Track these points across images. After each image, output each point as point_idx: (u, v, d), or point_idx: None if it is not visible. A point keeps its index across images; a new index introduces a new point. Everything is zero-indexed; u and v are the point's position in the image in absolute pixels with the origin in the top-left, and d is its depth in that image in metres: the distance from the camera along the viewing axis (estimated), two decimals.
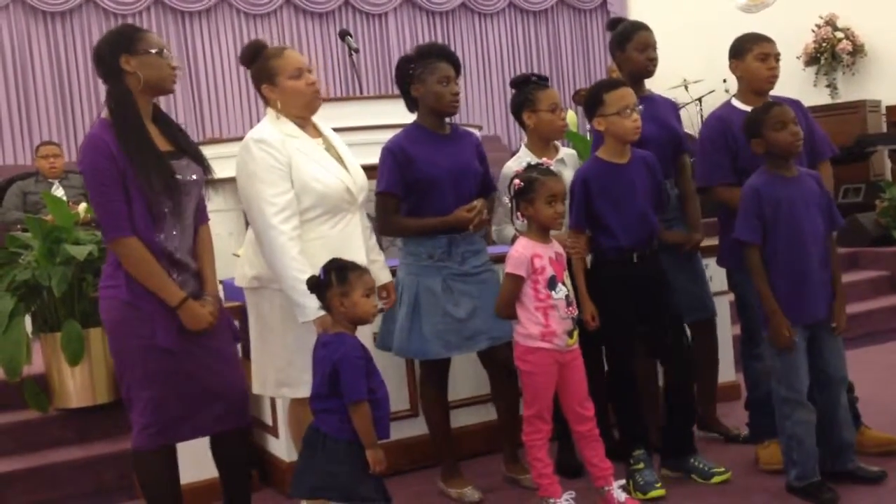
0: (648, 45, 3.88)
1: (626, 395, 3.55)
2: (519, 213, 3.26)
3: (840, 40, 9.72)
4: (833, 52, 9.76)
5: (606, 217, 3.47)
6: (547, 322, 3.19)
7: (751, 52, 3.64)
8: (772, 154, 3.30)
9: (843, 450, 3.40)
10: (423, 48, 3.56)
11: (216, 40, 9.86)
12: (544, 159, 3.41)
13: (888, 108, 9.04)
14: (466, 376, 3.93)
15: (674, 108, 4.05)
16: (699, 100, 9.60)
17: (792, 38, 9.44)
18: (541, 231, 3.26)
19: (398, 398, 3.89)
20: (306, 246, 3.07)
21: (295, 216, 3.08)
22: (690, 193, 3.88)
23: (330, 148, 3.28)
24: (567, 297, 3.23)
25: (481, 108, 10.97)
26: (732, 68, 3.73)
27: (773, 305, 3.24)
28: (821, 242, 3.30)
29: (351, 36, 5.73)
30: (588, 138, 6.54)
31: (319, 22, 10.26)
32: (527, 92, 3.72)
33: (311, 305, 2.91)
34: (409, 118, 3.64)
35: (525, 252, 3.21)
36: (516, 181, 3.25)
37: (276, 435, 3.88)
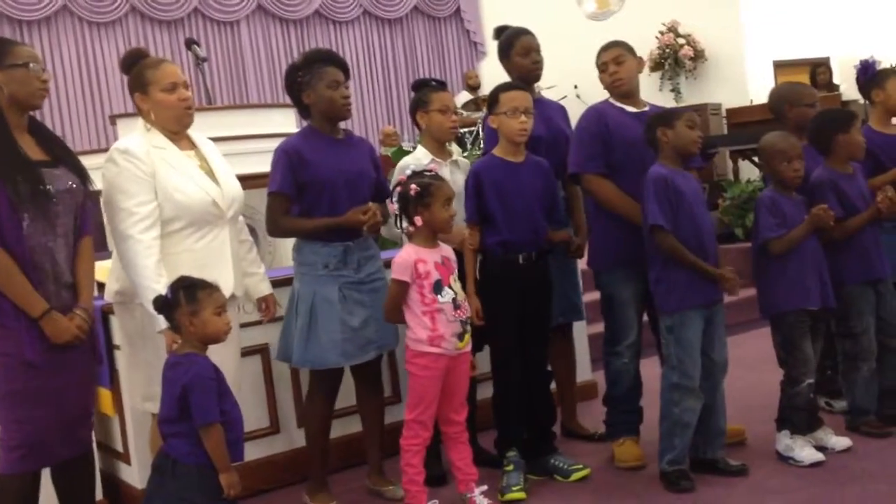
0: (531, 49, 3.99)
1: (506, 395, 3.60)
2: (409, 218, 3.26)
3: (682, 46, 10.15)
4: (676, 58, 10.18)
5: (493, 211, 3.53)
6: (434, 326, 3.21)
7: (599, 64, 3.81)
8: (673, 149, 3.44)
9: (717, 436, 3.53)
10: (310, 54, 3.56)
11: (57, 50, 9.45)
12: (432, 165, 3.44)
13: (728, 110, 9.47)
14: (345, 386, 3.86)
15: (562, 110, 4.17)
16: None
17: (637, 45, 9.75)
18: (429, 236, 3.28)
19: (258, 416, 3.82)
20: (171, 259, 3.01)
21: (155, 227, 3.02)
22: (577, 197, 3.99)
23: (202, 160, 3.22)
24: (454, 300, 3.25)
25: None
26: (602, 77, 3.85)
27: (705, 267, 3.37)
28: (713, 233, 3.48)
29: (198, 45, 5.59)
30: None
31: (168, 30, 9.96)
32: (422, 94, 3.79)
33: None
34: (285, 127, 3.60)
35: (408, 257, 3.23)
36: (412, 187, 3.24)
37: (127, 462, 3.72)
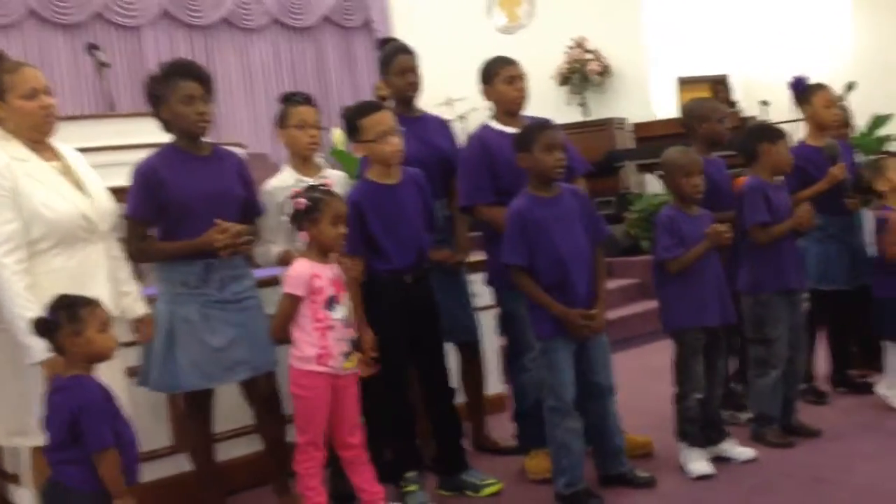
0: (407, 69, 3.91)
1: (399, 418, 3.54)
2: (300, 233, 3.17)
3: (589, 61, 10.30)
4: (583, 73, 10.32)
5: (380, 240, 3.44)
6: (324, 343, 3.12)
7: (498, 76, 3.76)
8: (534, 174, 3.38)
9: (614, 455, 3.54)
10: (166, 66, 3.39)
11: None
12: (326, 179, 3.34)
13: (635, 125, 9.65)
14: (231, 407, 3.74)
15: (444, 127, 4.09)
16: (461, 117, 9.85)
17: (546, 59, 9.93)
18: (321, 251, 3.17)
19: (157, 436, 3.70)
20: (40, 280, 2.83)
21: (20, 248, 2.84)
22: (458, 213, 3.94)
23: (68, 171, 3.05)
24: (345, 318, 3.17)
25: (247, 126, 10.70)
26: (485, 93, 3.83)
27: (560, 309, 3.32)
28: (585, 257, 3.40)
29: (99, 49, 5.40)
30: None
31: (69, 35, 9.61)
32: (281, 109, 3.66)
33: (38, 346, 2.66)
34: (167, 137, 3.44)
35: (304, 271, 3.13)
36: (301, 200, 3.14)
37: (17, 483, 3.53)
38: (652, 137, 9.06)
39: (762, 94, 8.26)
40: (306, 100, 3.69)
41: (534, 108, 3.90)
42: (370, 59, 11.58)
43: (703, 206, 3.72)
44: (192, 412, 3.42)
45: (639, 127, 9.55)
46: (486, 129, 3.79)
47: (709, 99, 4.62)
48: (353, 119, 3.48)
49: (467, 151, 3.78)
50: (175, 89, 3.26)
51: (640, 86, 10.28)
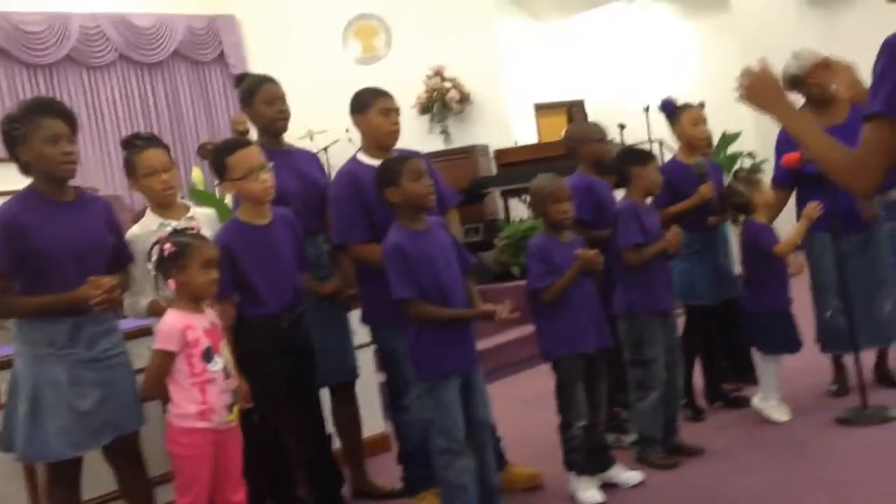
0: (276, 98, 3.75)
1: (280, 469, 3.37)
2: (168, 282, 2.96)
3: (449, 90, 10.38)
4: (443, 101, 10.39)
5: (253, 282, 3.28)
6: (205, 398, 2.92)
7: (373, 107, 3.65)
8: (406, 206, 3.29)
9: (492, 494, 3.42)
10: (28, 103, 3.11)
11: None
12: (193, 222, 3.14)
13: (496, 151, 9.74)
14: (98, 471, 3.47)
15: (314, 159, 3.97)
16: (325, 149, 9.73)
17: (406, 88, 9.91)
18: (192, 299, 2.98)
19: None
20: None
21: None
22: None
23: None
24: (224, 368, 2.99)
25: (100, 168, 10.22)
26: (356, 123, 3.71)
27: (469, 314, 3.29)
28: (461, 287, 3.35)
29: None
30: (217, 195, 6.30)
31: None
32: (128, 155, 3.43)
33: None
34: (25, 182, 3.17)
35: (176, 324, 2.92)
36: (166, 246, 2.94)
37: None
38: (514, 163, 9.18)
39: (617, 118, 8.47)
40: (149, 141, 3.46)
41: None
42: (227, 93, 11.32)
43: (592, 226, 3.73)
44: (60, 482, 3.14)
45: (500, 153, 9.65)
46: (355, 163, 3.67)
47: (587, 122, 4.69)
48: (219, 158, 3.32)
49: (337, 188, 3.66)
50: (38, 128, 3.00)
51: (500, 112, 10.43)
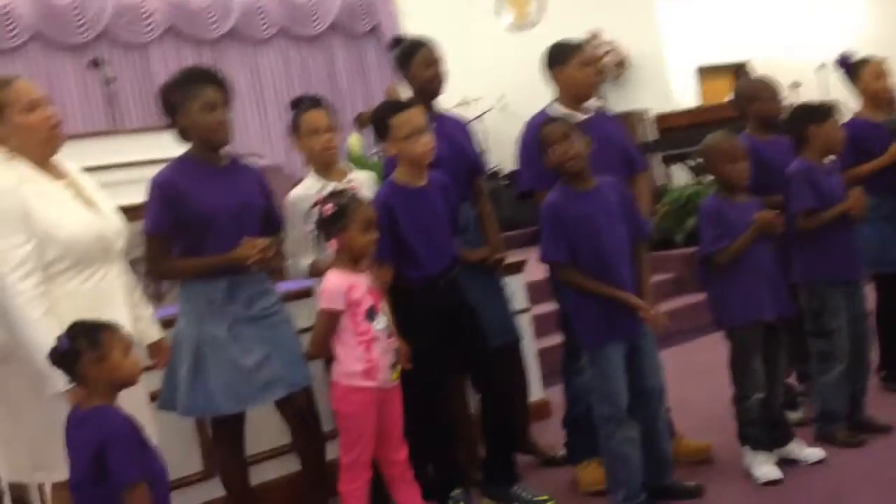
0: (433, 60, 3.72)
1: (440, 433, 3.33)
2: (329, 242, 2.98)
3: (607, 54, 10.09)
4: (600, 66, 10.11)
5: (412, 244, 3.25)
6: (370, 357, 2.95)
7: (574, 59, 3.58)
8: (560, 170, 3.21)
9: (662, 464, 3.32)
10: (185, 72, 3.20)
11: None
12: (351, 183, 3.14)
13: (657, 116, 9.41)
14: (265, 427, 3.53)
15: (465, 128, 3.92)
16: (478, 118, 9.67)
17: None
18: (352, 260, 2.99)
19: (188, 461, 3.52)
20: (55, 305, 2.63)
21: (36, 272, 2.64)
22: (488, 214, 3.78)
23: (77, 190, 2.86)
24: (387, 327, 3.00)
25: (259, 139, 10.53)
26: (552, 76, 3.65)
27: (620, 295, 3.13)
28: (627, 253, 3.20)
29: (104, 64, 5.23)
30: (376, 161, 6.33)
31: (75, 55, 9.42)
32: (294, 116, 3.49)
33: (61, 376, 2.45)
34: (177, 151, 3.24)
35: (340, 284, 2.95)
36: (326, 206, 2.96)
37: None
38: (675, 128, 8.86)
39: (788, 78, 8.01)
40: (315, 103, 3.51)
41: None
42: (381, 65, 11.42)
43: (758, 191, 3.50)
44: (223, 437, 3.23)
45: (661, 118, 9.31)
46: (544, 115, 3.58)
47: (760, 78, 4.39)
48: (384, 118, 3.30)
49: (528, 137, 3.59)
50: (195, 96, 3.07)
51: (660, 76, 10.11)
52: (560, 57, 3.62)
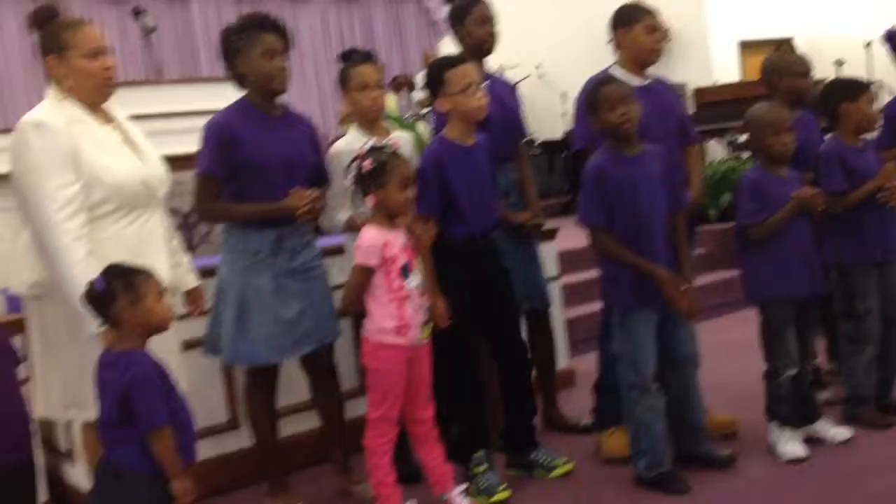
0: (487, 19, 3.70)
1: (469, 394, 3.33)
2: (367, 198, 2.98)
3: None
4: None
5: (460, 201, 3.25)
6: (402, 314, 2.96)
7: (640, 23, 3.51)
8: (609, 134, 3.18)
9: (694, 432, 3.32)
10: (247, 18, 3.20)
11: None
12: (392, 140, 3.14)
13: (695, 90, 9.31)
14: (291, 381, 3.57)
15: (513, 90, 3.90)
16: (516, 85, 9.62)
17: (600, 25, 9.56)
18: (388, 217, 2.99)
19: (215, 410, 3.56)
20: (98, 247, 2.66)
21: (81, 212, 2.67)
22: (529, 178, 3.79)
23: (124, 136, 2.88)
24: (420, 285, 3.01)
25: (296, 98, 10.48)
26: (617, 37, 3.58)
27: (650, 268, 3.11)
28: (663, 222, 3.19)
29: (145, 13, 5.24)
30: (411, 123, 6.31)
31: (116, 5, 9.48)
32: (343, 69, 3.47)
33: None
34: (216, 103, 3.25)
35: (376, 240, 2.95)
36: (366, 162, 2.96)
37: (71, 460, 3.41)
38: (714, 103, 8.77)
39: (832, 54, 7.87)
40: (366, 57, 3.49)
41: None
42: (419, 28, 11.36)
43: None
44: (258, 386, 3.26)
45: (699, 92, 9.23)
46: (606, 75, 3.52)
47: (790, 53, 4.29)
48: (439, 72, 3.28)
49: (585, 95, 3.52)
50: (256, 42, 3.08)
51: (701, 50, 9.98)
52: (627, 18, 3.54)
